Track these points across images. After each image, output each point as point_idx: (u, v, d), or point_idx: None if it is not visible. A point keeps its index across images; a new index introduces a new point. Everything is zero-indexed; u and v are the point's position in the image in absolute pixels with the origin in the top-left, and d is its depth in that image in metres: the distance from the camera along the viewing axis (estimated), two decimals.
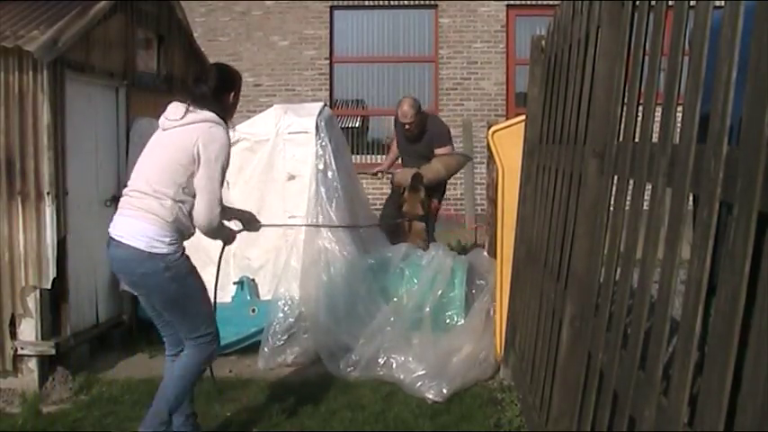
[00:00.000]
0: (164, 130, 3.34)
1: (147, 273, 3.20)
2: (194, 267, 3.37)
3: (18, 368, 4.40)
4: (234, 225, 3.78)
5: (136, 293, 3.36)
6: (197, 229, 3.36)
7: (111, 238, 3.28)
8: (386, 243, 5.63)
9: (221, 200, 3.33)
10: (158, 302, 3.32)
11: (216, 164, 3.24)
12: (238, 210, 3.87)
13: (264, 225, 4.01)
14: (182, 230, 3.29)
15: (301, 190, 5.15)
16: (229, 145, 3.33)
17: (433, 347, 4.48)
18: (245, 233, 3.90)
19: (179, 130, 3.27)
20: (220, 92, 3.39)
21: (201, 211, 3.25)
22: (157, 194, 3.20)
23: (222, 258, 3.82)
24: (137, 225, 3.21)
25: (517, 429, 3.79)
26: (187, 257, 3.34)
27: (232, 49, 11.33)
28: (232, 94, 3.45)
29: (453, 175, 6.71)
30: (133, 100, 5.26)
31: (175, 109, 3.34)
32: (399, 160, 6.96)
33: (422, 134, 6.45)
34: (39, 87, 4.29)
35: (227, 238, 3.65)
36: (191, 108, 3.30)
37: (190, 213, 3.28)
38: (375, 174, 7.40)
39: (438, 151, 6.38)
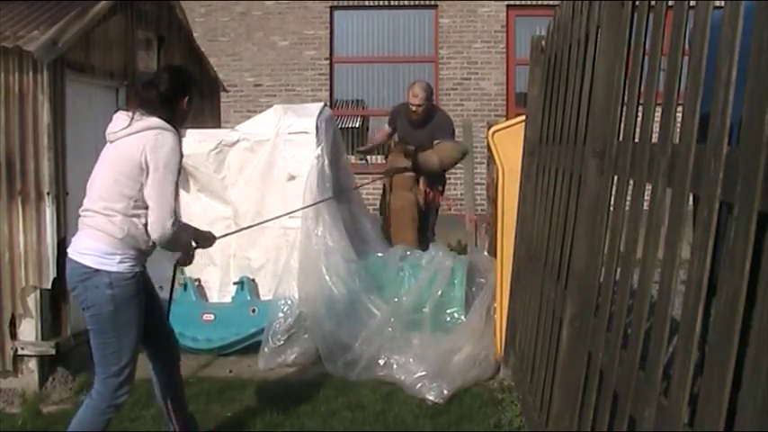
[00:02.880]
0: (110, 142, 3.17)
1: (90, 286, 3.05)
2: (141, 293, 3.16)
3: (18, 368, 4.41)
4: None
5: (80, 307, 3.17)
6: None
7: (67, 255, 3.18)
8: (386, 245, 5.63)
9: (174, 210, 3.11)
10: (87, 319, 3.14)
11: (165, 171, 3.04)
12: (195, 228, 3.61)
13: (219, 237, 3.70)
14: (137, 247, 3.11)
15: (301, 190, 5.14)
16: (180, 152, 3.14)
17: (433, 348, 4.47)
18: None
19: (124, 141, 3.09)
20: (173, 97, 3.19)
21: (153, 222, 3.06)
22: (106, 211, 3.06)
23: (175, 282, 3.61)
24: (86, 243, 3.09)
25: (517, 429, 3.79)
26: (138, 280, 3.15)
27: (232, 49, 11.33)
28: (186, 99, 3.25)
29: (448, 169, 6.48)
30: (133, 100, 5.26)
31: (119, 119, 3.15)
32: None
33: (426, 122, 6.28)
34: (39, 88, 4.29)
35: (187, 252, 3.40)
36: (136, 116, 3.11)
37: (146, 226, 3.10)
38: (361, 153, 6.98)
39: (436, 142, 6.19)
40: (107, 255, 3.05)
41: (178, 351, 3.59)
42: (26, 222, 4.36)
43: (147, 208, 3.08)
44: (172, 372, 3.52)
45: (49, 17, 4.57)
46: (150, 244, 3.17)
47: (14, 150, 4.33)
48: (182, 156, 3.16)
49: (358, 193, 6.17)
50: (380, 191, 6.72)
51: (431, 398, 4.13)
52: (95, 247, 3.06)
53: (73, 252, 3.13)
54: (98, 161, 3.24)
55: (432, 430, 3.84)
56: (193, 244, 3.51)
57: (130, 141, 3.08)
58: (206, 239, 3.58)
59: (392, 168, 6.06)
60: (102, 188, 3.11)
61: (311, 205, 4.92)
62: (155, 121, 3.11)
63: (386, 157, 6.30)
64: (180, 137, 3.18)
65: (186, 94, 3.27)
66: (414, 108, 6.23)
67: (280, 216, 4.78)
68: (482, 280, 4.93)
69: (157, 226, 3.06)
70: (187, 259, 3.45)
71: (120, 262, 3.07)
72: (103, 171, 3.16)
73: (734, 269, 1.47)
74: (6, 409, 4.26)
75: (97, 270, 3.04)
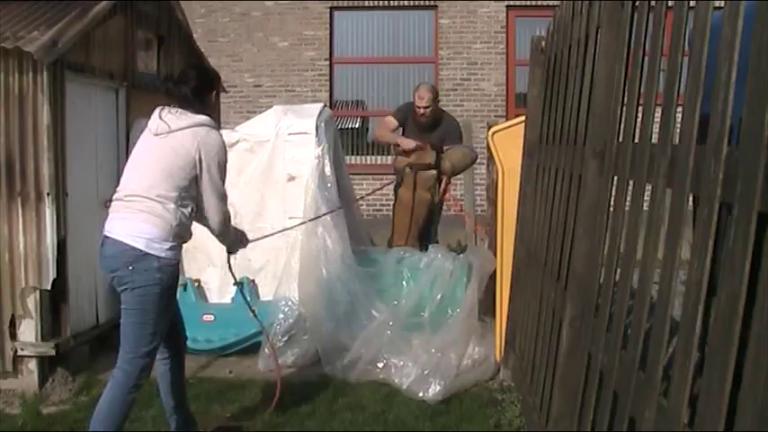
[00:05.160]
0: (156, 134, 3.31)
1: (138, 269, 3.16)
2: (177, 283, 3.39)
3: (18, 369, 4.40)
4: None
5: (119, 289, 3.27)
6: (213, 231, 3.46)
7: (105, 237, 3.26)
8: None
9: (227, 198, 3.43)
10: (131, 299, 3.22)
11: (219, 168, 3.32)
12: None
13: (252, 240, 3.92)
14: (183, 235, 3.31)
15: (301, 191, 5.14)
16: (225, 146, 3.41)
17: (431, 349, 4.46)
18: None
19: (176, 135, 3.27)
20: (202, 92, 3.41)
21: (214, 212, 3.35)
22: (160, 199, 3.20)
23: (231, 265, 3.84)
24: (138, 226, 3.20)
25: (517, 430, 3.79)
26: (179, 269, 3.36)
27: (232, 50, 11.33)
28: (214, 93, 3.52)
29: (457, 173, 6.36)
30: (133, 101, 5.26)
31: (166, 113, 3.33)
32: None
33: (435, 126, 6.19)
34: (39, 88, 4.29)
35: (239, 239, 3.70)
36: (181, 112, 3.32)
37: (190, 216, 3.32)
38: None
39: (446, 147, 6.08)
40: (160, 240, 3.20)
41: (186, 343, 3.69)
42: (26, 223, 4.35)
43: (192, 199, 3.30)
44: (179, 362, 3.59)
45: (48, 18, 4.56)
46: (190, 235, 3.40)
47: (14, 151, 4.33)
48: (226, 149, 3.43)
49: (353, 194, 6.17)
50: (383, 192, 6.65)
51: (429, 397, 4.13)
52: (150, 231, 3.18)
53: (119, 234, 3.21)
54: (141, 150, 3.38)
55: (432, 431, 3.84)
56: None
57: (184, 137, 3.27)
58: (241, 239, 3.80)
59: (418, 163, 5.93)
60: (155, 178, 3.25)
61: (326, 214, 4.93)
62: (202, 118, 3.34)
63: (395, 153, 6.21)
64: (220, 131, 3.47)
65: (213, 89, 3.52)
66: (421, 111, 6.13)
67: (303, 222, 4.90)
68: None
69: (218, 214, 3.37)
70: (239, 245, 3.73)
71: (169, 249, 3.23)
72: (154, 161, 3.29)
73: (734, 270, 1.47)
74: (6, 409, 4.25)
75: (147, 254, 3.17)
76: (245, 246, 3.82)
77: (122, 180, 3.35)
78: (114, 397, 3.26)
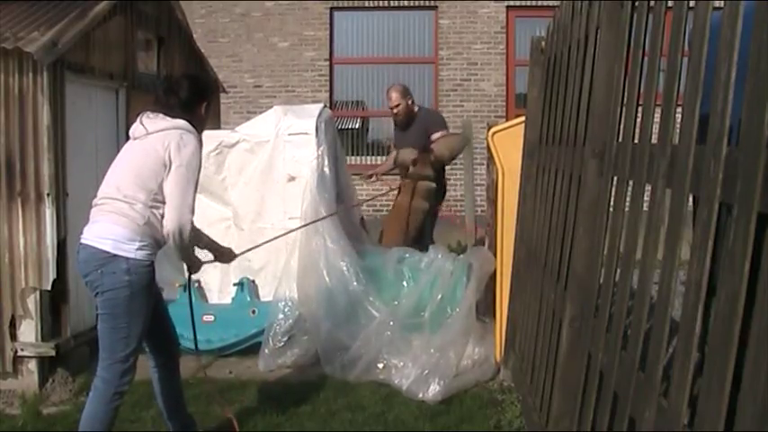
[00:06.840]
0: (134, 138, 3.28)
1: (107, 272, 3.10)
2: (153, 282, 3.27)
3: (18, 369, 4.40)
4: (204, 255, 3.65)
5: (92, 294, 3.22)
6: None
7: (80, 242, 3.21)
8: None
9: (193, 208, 3.22)
10: (100, 303, 3.18)
11: (187, 170, 3.17)
12: (213, 240, 3.72)
13: (238, 254, 3.83)
14: (155, 237, 3.19)
15: (301, 191, 5.14)
16: (200, 153, 3.29)
17: (430, 350, 4.46)
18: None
19: (151, 137, 3.21)
20: (192, 103, 3.35)
21: (170, 217, 3.14)
22: (128, 199, 3.14)
23: (191, 287, 3.70)
24: (105, 228, 3.14)
25: (517, 430, 3.79)
26: (152, 270, 3.23)
27: (232, 50, 11.33)
28: (204, 104, 3.41)
29: (455, 158, 6.55)
30: (133, 101, 5.26)
31: (146, 118, 3.29)
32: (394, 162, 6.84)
33: (410, 123, 6.36)
34: (39, 89, 4.29)
35: (194, 262, 3.50)
36: (161, 115, 3.27)
37: (163, 219, 3.19)
38: (369, 177, 7.07)
39: (435, 136, 6.24)
40: (127, 240, 3.12)
41: (179, 349, 3.62)
42: (26, 223, 4.36)
43: (164, 202, 3.18)
44: (172, 369, 3.55)
45: (49, 18, 4.57)
46: (164, 238, 3.24)
47: (14, 151, 4.33)
48: (201, 157, 3.30)
49: (354, 194, 6.19)
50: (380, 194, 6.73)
51: (429, 398, 4.13)
52: (116, 232, 3.12)
53: (89, 238, 3.17)
54: (119, 156, 3.36)
55: (431, 431, 3.84)
56: (211, 257, 3.65)
57: (156, 138, 3.21)
58: (223, 254, 3.72)
59: (417, 174, 6.07)
60: (124, 179, 3.20)
61: (324, 217, 4.93)
62: (180, 122, 3.26)
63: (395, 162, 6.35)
64: (200, 139, 3.33)
65: (204, 101, 3.41)
66: (394, 111, 6.35)
67: (301, 226, 4.89)
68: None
69: (174, 220, 3.14)
70: (194, 266, 3.53)
71: (139, 249, 3.14)
72: (125, 164, 3.27)
73: (734, 270, 1.47)
74: (6, 410, 4.26)
75: (115, 255, 3.11)
76: (229, 261, 3.74)
77: (101, 186, 3.29)
78: (97, 408, 3.20)
